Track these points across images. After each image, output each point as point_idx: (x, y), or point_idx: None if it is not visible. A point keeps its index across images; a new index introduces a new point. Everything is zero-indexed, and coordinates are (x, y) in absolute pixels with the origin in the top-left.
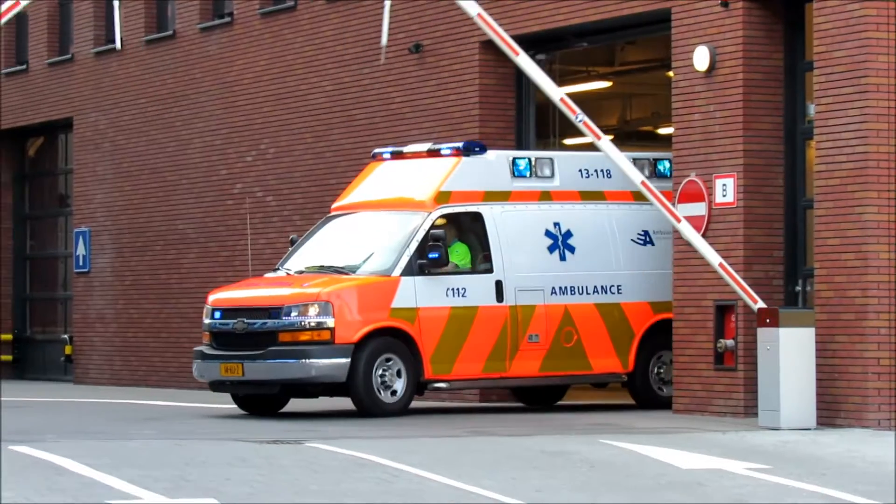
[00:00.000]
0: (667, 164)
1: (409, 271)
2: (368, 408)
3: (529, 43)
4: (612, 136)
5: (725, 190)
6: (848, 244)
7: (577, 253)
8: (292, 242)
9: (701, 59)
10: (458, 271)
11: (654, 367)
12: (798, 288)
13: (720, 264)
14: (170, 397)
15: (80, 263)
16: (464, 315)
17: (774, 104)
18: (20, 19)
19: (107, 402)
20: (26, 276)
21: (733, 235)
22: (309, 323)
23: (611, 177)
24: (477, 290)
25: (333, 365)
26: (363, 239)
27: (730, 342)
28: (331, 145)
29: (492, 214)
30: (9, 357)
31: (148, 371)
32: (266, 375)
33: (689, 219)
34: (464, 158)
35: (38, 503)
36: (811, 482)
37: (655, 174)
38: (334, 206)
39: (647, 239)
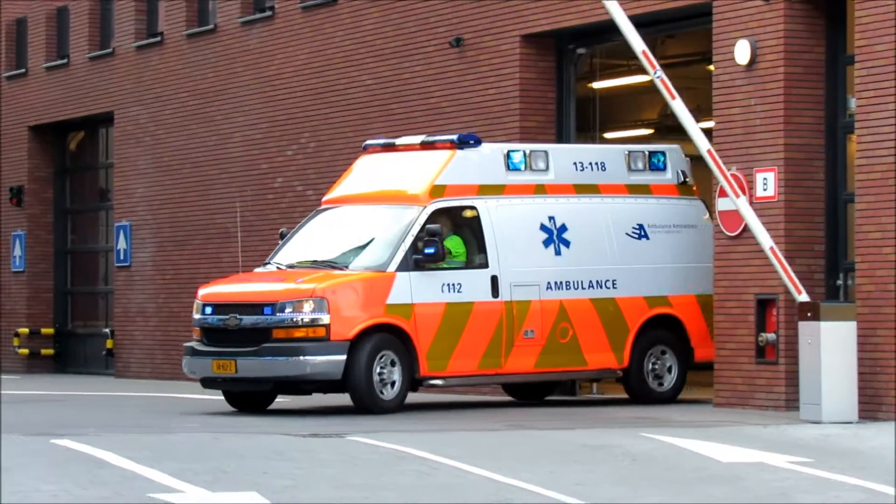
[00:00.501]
0: (661, 157)
1: (404, 266)
2: (368, 405)
3: (570, 37)
4: (652, 130)
5: (766, 184)
6: (889, 238)
7: (573, 247)
8: (282, 236)
9: (742, 52)
10: (453, 266)
11: (649, 362)
12: (839, 282)
13: (770, 248)
14: (210, 391)
15: (121, 257)
16: (459, 311)
17: (815, 98)
18: (62, 14)
19: (147, 395)
20: (67, 271)
21: (774, 229)
22: (303, 319)
23: (605, 170)
24: (472, 286)
25: (329, 362)
26: (356, 233)
27: (771, 336)
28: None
29: (487, 208)
30: (50, 351)
31: None
32: (260, 373)
33: (730, 213)
34: (458, 151)
35: (80, 496)
36: (852, 475)
37: (650, 167)
38: (325, 198)
39: (643, 233)
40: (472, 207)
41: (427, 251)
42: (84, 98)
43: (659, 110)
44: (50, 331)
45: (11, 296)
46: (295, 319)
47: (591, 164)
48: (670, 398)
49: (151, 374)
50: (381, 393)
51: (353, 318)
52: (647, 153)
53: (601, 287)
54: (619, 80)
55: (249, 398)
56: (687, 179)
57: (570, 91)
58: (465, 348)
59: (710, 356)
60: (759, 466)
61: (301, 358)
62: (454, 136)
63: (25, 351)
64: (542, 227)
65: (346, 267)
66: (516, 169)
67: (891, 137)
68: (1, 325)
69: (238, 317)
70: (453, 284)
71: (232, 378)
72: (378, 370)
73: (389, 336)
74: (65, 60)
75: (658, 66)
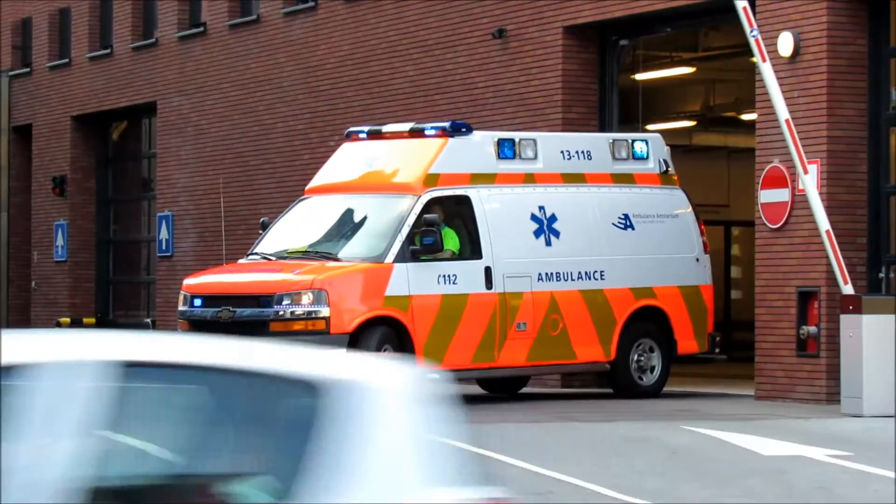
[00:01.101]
0: (643, 146)
1: (401, 257)
2: None
3: (613, 28)
4: (695, 122)
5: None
6: None
7: (562, 238)
8: (264, 226)
9: (785, 44)
10: (449, 258)
11: (635, 355)
12: (881, 275)
13: (826, 231)
14: None
15: (163, 247)
16: (455, 303)
17: (858, 90)
18: (105, 4)
19: None
20: (110, 260)
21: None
22: (302, 312)
23: (591, 159)
24: (467, 277)
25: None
26: (346, 223)
27: (812, 329)
28: None
29: (479, 198)
30: None
31: None
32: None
33: (772, 205)
34: (450, 139)
35: None
36: (893, 469)
37: (633, 156)
38: (309, 187)
39: (628, 223)
40: (466, 197)
41: (426, 241)
42: (127, 88)
43: (702, 102)
44: (91, 320)
45: (53, 285)
46: (294, 312)
47: (577, 152)
48: (654, 392)
49: None
50: None
51: (353, 310)
52: (630, 142)
53: (590, 278)
54: (661, 72)
55: None
56: (668, 169)
57: (612, 82)
58: (459, 341)
59: (693, 349)
60: (800, 460)
61: None
62: (446, 124)
63: None
64: (533, 217)
65: (339, 258)
66: (507, 157)
67: None
68: (43, 315)
69: (231, 309)
70: (449, 276)
71: None
72: None
73: (388, 329)
74: (108, 50)
75: (755, 25)
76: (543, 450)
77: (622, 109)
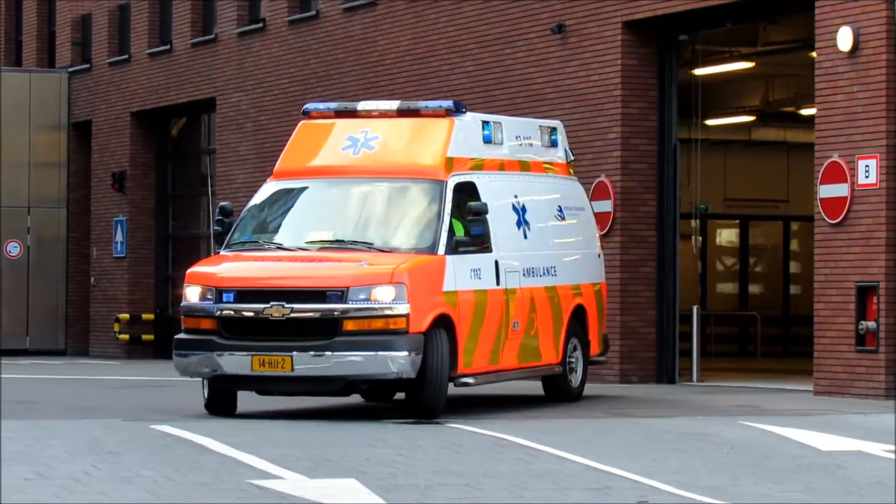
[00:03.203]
0: (555, 133)
1: (448, 249)
2: (437, 408)
3: (673, 23)
4: (754, 117)
5: (868, 171)
6: None
7: (532, 230)
8: (227, 212)
9: (844, 39)
10: (476, 250)
11: (568, 355)
12: None
13: None
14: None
15: None
16: (482, 300)
17: None
18: (164, 0)
19: None
20: (169, 256)
21: (875, 217)
22: (380, 308)
23: (532, 146)
24: (486, 272)
25: (411, 359)
26: (370, 210)
27: (871, 324)
28: None
29: (481, 184)
30: (150, 336)
31: None
32: (330, 371)
33: (832, 200)
34: (456, 120)
35: (180, 481)
36: None
37: (551, 144)
38: (280, 169)
39: (562, 215)
40: (472, 184)
41: (475, 232)
42: (186, 84)
43: (761, 97)
44: (150, 316)
45: (113, 281)
46: (371, 308)
47: (525, 138)
48: (579, 394)
49: None
50: None
51: (426, 307)
52: (550, 129)
53: (549, 275)
54: (721, 67)
55: (226, 398)
56: (572, 158)
57: (671, 77)
58: (482, 342)
59: (595, 350)
60: (859, 455)
61: (384, 354)
62: (444, 103)
63: (126, 336)
64: (514, 208)
65: (382, 248)
66: (489, 142)
67: None
68: (102, 311)
69: (285, 305)
70: (475, 270)
71: (285, 377)
72: None
73: (448, 329)
74: (167, 46)
75: None
76: (600, 445)
77: (681, 104)
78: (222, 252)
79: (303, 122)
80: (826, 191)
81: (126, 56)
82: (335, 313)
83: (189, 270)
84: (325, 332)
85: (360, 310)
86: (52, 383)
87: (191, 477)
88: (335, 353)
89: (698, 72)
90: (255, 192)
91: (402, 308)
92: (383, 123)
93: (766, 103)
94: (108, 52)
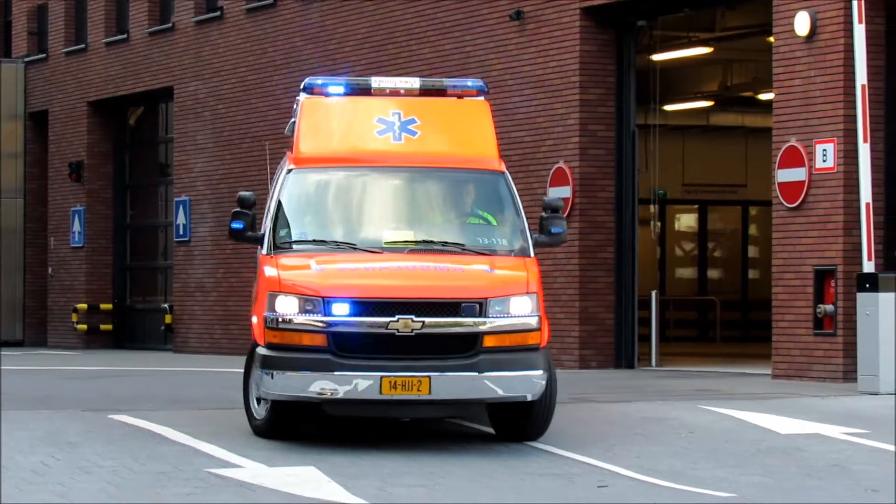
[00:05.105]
0: None
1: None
2: (546, 429)
3: (630, 8)
4: (712, 102)
5: (826, 155)
6: None
7: None
8: (248, 203)
9: (802, 24)
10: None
11: None
12: None
13: (866, 204)
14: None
15: (181, 232)
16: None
17: (875, 68)
18: None
19: (207, 370)
20: (126, 246)
21: (833, 201)
22: (520, 322)
23: None
24: None
25: (544, 378)
26: (443, 206)
27: (829, 307)
28: None
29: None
30: (109, 326)
31: (248, 340)
32: (471, 393)
33: (789, 184)
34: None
35: (138, 471)
36: None
37: None
38: (308, 155)
39: None
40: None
41: (555, 231)
42: (143, 73)
43: (719, 82)
44: (108, 306)
45: (70, 271)
46: (513, 323)
47: None
48: None
49: (210, 349)
50: None
51: (545, 318)
52: None
53: None
54: (679, 53)
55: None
56: None
57: (630, 63)
58: None
59: None
60: (817, 438)
61: (531, 373)
62: (478, 83)
63: (84, 326)
64: None
65: (475, 251)
66: None
67: None
68: (60, 301)
69: (415, 319)
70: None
71: (420, 401)
72: None
73: None
74: (124, 36)
75: None
76: (561, 431)
77: (639, 90)
78: (275, 253)
79: (306, 98)
80: (784, 175)
81: (83, 45)
82: (475, 328)
83: (282, 279)
84: (462, 349)
85: (499, 324)
86: (9, 374)
87: (149, 466)
88: (480, 374)
89: (656, 57)
90: (218, 182)
91: (536, 321)
92: (413, 104)
93: (723, 88)
94: (64, 41)
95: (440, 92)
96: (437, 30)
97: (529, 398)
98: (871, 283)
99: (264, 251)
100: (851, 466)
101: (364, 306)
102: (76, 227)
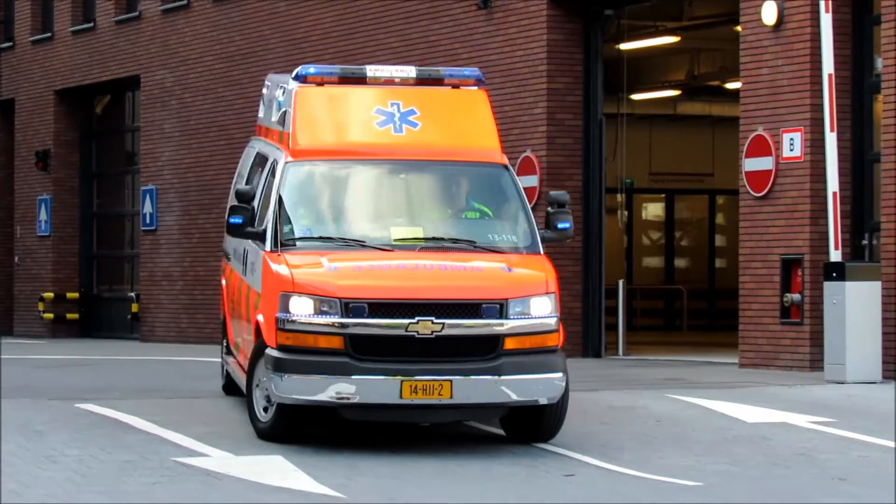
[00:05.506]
0: None
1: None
2: (558, 431)
3: None
4: (679, 91)
5: (793, 144)
6: None
7: None
8: (247, 197)
9: (769, 13)
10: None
11: None
12: (864, 241)
13: (833, 193)
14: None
15: (147, 221)
16: None
17: (842, 58)
18: None
19: (173, 359)
20: (93, 235)
21: (800, 190)
22: (540, 323)
23: None
24: None
25: (564, 381)
26: (449, 201)
27: (796, 296)
28: None
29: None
30: (75, 315)
31: (215, 329)
32: (493, 397)
33: (756, 173)
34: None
35: (105, 460)
36: (876, 435)
37: None
38: (306, 147)
39: None
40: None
41: (562, 226)
42: (110, 62)
43: (686, 71)
44: (75, 295)
45: (37, 260)
46: (533, 324)
47: None
48: None
49: (176, 338)
50: None
51: (559, 318)
52: None
53: None
54: (646, 42)
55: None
56: None
57: (597, 52)
58: None
59: None
60: (784, 426)
61: (552, 376)
62: (475, 72)
63: (50, 315)
64: None
65: (486, 247)
66: None
67: None
68: (26, 290)
69: (436, 320)
70: None
71: (441, 406)
72: None
73: None
74: (91, 24)
75: None
76: None
77: (607, 79)
78: (281, 251)
79: (299, 87)
80: (751, 164)
81: (49, 34)
82: (496, 330)
83: (295, 278)
84: (483, 351)
85: (520, 325)
86: None
87: (116, 455)
88: (502, 377)
89: (624, 46)
90: (185, 171)
91: (555, 322)
92: (410, 94)
93: (691, 77)
94: (30, 30)
95: (437, 81)
96: (404, 19)
97: (550, 401)
98: (837, 272)
99: (267, 248)
100: (818, 455)
101: (383, 308)
102: (42, 215)
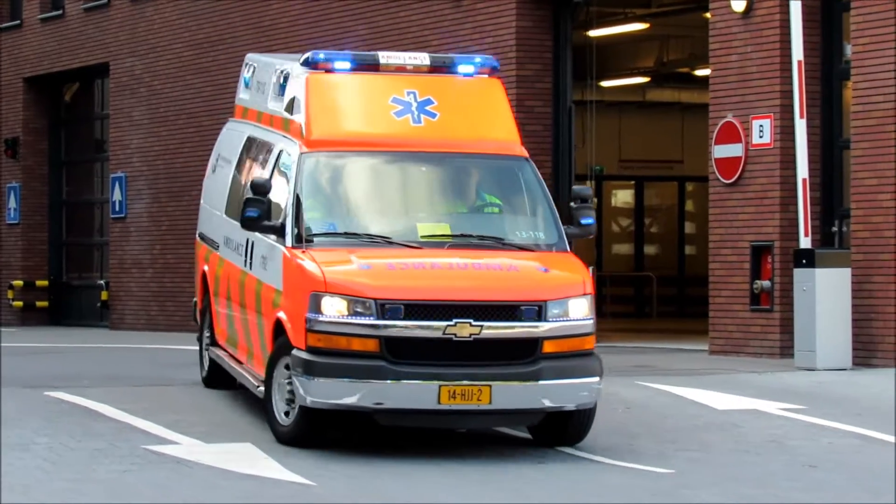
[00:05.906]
0: None
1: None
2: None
3: None
4: (648, 78)
5: (762, 131)
6: (884, 184)
7: None
8: (262, 189)
9: (738, 0)
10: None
11: None
12: (834, 228)
13: (803, 180)
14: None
15: (117, 209)
16: None
17: (811, 45)
18: None
19: (143, 347)
20: (62, 222)
21: (770, 176)
22: (577, 326)
23: None
24: None
25: (601, 385)
26: (472, 196)
27: (766, 283)
28: None
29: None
30: (45, 303)
31: (185, 316)
32: (532, 402)
33: (726, 160)
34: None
35: (74, 448)
36: (846, 422)
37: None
38: (322, 137)
39: None
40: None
41: (585, 221)
42: (79, 49)
43: (655, 58)
44: (44, 283)
45: (6, 248)
46: (571, 326)
47: None
48: None
49: (146, 325)
50: None
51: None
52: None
53: None
54: (615, 29)
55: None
56: None
57: (566, 39)
58: None
59: None
60: (754, 413)
61: (590, 380)
62: (491, 60)
63: (20, 303)
64: None
65: (514, 244)
66: None
67: (889, 84)
68: None
69: (474, 323)
70: None
71: (480, 411)
72: None
73: None
74: (59, 11)
75: None
76: None
77: (576, 66)
78: (305, 247)
79: (310, 73)
80: (720, 151)
81: (18, 21)
82: (535, 333)
83: (327, 277)
84: (522, 355)
85: (558, 328)
86: None
87: (86, 443)
88: (542, 382)
89: (593, 33)
90: (154, 158)
91: (591, 324)
92: (427, 83)
93: (660, 64)
94: None
95: (450, 69)
96: (372, 6)
97: (585, 407)
98: (807, 259)
99: (288, 243)
100: (788, 442)
101: (420, 309)
102: (12, 203)
